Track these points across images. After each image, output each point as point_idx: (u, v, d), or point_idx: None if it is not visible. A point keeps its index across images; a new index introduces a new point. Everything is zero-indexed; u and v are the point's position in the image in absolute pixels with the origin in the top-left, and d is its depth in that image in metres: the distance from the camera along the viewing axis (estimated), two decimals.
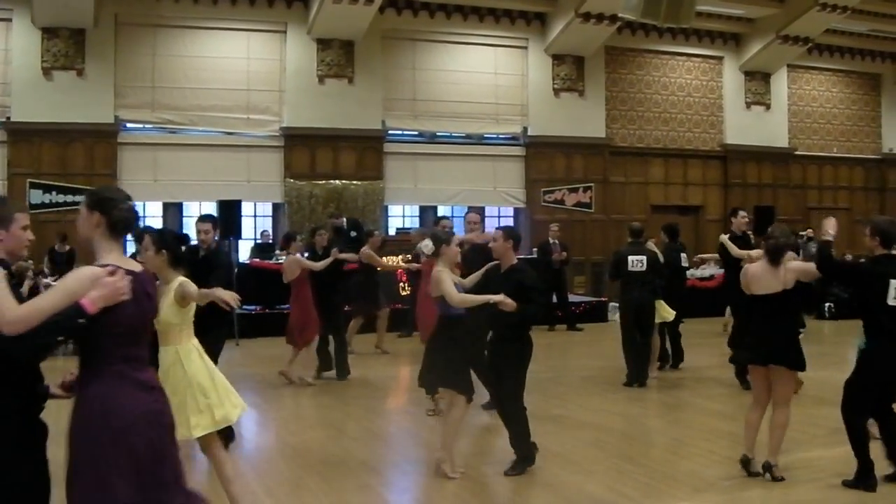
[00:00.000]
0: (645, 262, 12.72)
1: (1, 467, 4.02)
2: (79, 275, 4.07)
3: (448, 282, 7.49)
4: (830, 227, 7.61)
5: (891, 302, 7.22)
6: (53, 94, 19.46)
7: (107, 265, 4.12)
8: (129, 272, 4.15)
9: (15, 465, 4.06)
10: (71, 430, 4.07)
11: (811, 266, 7.74)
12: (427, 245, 7.29)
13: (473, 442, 9.19)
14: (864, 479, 7.34)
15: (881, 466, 7.51)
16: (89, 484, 4.00)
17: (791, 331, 7.83)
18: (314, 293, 12.63)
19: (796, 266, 7.87)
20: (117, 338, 4.08)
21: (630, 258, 12.78)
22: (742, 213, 13.01)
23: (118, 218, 4.30)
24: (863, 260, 8.41)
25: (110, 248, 4.28)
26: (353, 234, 19.77)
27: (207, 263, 8.99)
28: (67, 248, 17.56)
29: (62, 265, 16.80)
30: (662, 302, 13.00)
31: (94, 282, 4.00)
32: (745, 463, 7.78)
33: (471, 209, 18.33)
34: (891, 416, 7.52)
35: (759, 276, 7.80)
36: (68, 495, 4.06)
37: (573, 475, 7.93)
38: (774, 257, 7.78)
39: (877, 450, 7.48)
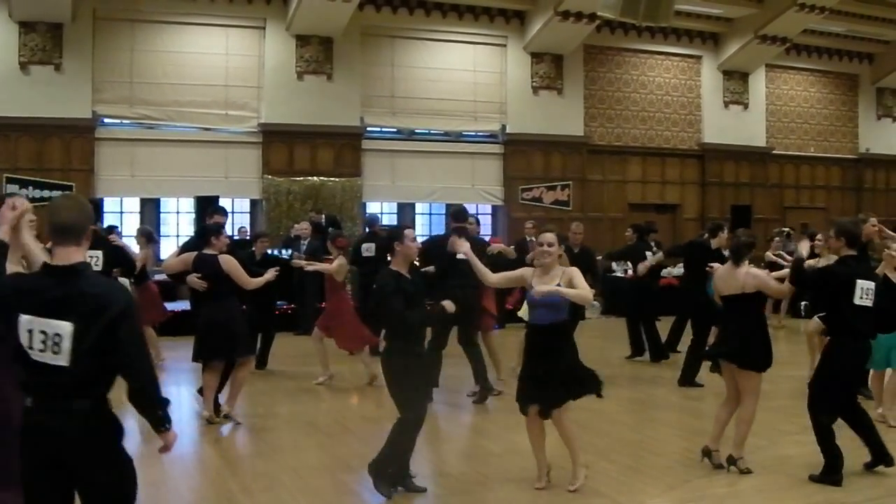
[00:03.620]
0: None
1: None
2: None
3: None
4: (804, 248, 8.10)
5: (857, 301, 7.52)
6: (30, 89, 19.33)
7: None
8: None
9: None
10: None
11: (770, 283, 8.08)
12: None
13: (455, 441, 9.20)
14: (830, 474, 7.48)
15: (857, 457, 7.58)
16: None
17: (749, 331, 7.91)
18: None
19: (758, 277, 8.00)
20: None
21: None
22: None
23: None
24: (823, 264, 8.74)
25: None
26: (331, 230, 19.80)
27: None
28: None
29: None
30: None
31: None
32: (707, 454, 8.07)
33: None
34: (856, 410, 7.77)
35: (724, 277, 8.11)
36: None
37: None
38: (736, 258, 8.06)
39: (846, 442, 7.55)
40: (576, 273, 7.36)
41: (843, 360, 7.58)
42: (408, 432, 7.20)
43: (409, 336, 7.15)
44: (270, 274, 10.18)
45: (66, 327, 3.91)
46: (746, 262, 8.05)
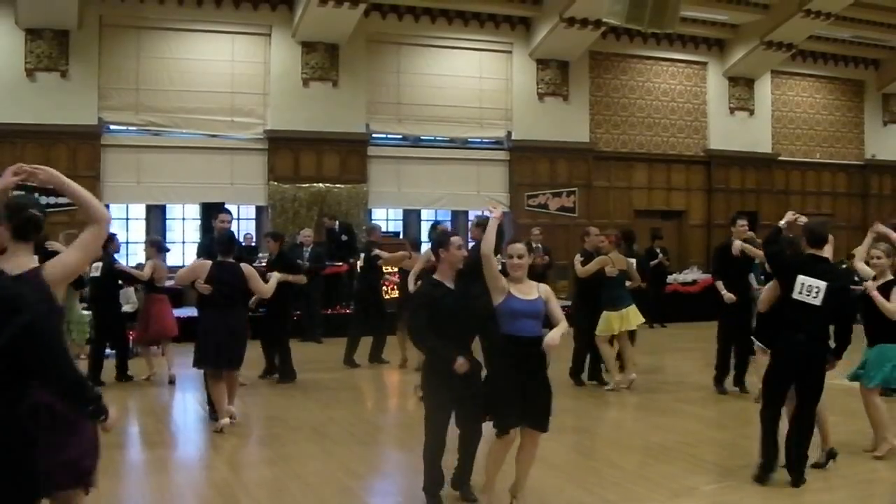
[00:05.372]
0: None
1: None
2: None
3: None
4: (787, 216, 8.15)
5: (794, 296, 7.57)
6: (37, 96, 19.37)
7: None
8: None
9: None
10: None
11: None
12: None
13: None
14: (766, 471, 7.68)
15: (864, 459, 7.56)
16: None
17: None
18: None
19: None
20: None
21: None
22: (741, 221, 12.91)
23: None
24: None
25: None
26: (345, 238, 19.84)
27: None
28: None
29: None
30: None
31: None
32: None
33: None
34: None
35: None
36: None
37: (553, 478, 7.94)
38: None
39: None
40: (551, 295, 6.89)
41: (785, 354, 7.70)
42: (427, 452, 6.99)
43: (432, 351, 6.90)
44: (277, 277, 10.33)
45: None
46: None
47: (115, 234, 14.10)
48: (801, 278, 7.54)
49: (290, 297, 13.24)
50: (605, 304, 12.26)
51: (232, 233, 10.92)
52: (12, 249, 4.59)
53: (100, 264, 12.64)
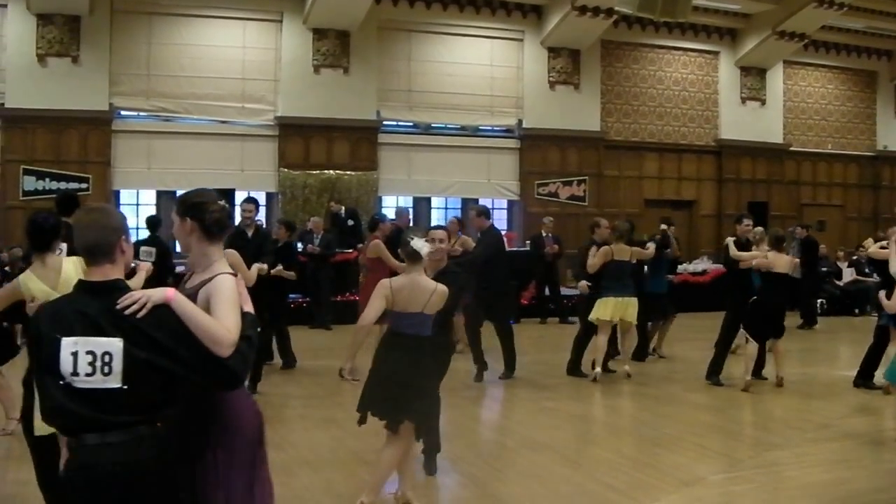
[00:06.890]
0: None
1: None
2: (230, 284, 4.02)
3: None
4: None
5: None
6: (48, 81, 19.41)
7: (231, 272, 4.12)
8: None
9: None
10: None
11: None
12: (422, 245, 6.33)
13: (466, 435, 9.19)
14: None
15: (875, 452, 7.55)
16: None
17: None
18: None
19: None
20: None
21: None
22: (746, 220, 12.92)
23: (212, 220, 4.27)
24: None
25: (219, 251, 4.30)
26: (351, 223, 19.86)
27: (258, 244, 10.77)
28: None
29: None
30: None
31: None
32: None
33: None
34: None
35: None
36: None
37: (562, 467, 7.94)
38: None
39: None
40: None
41: None
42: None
43: None
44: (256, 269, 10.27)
45: (116, 344, 3.42)
46: None
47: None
48: None
49: (285, 284, 13.12)
50: (603, 291, 12.17)
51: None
52: (206, 251, 4.34)
53: (153, 249, 13.06)
